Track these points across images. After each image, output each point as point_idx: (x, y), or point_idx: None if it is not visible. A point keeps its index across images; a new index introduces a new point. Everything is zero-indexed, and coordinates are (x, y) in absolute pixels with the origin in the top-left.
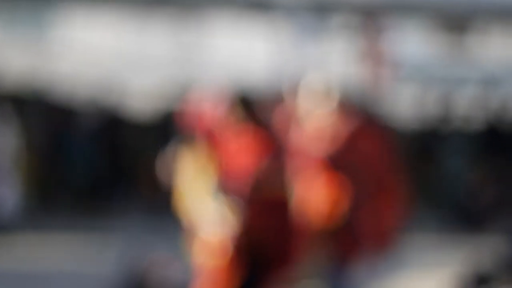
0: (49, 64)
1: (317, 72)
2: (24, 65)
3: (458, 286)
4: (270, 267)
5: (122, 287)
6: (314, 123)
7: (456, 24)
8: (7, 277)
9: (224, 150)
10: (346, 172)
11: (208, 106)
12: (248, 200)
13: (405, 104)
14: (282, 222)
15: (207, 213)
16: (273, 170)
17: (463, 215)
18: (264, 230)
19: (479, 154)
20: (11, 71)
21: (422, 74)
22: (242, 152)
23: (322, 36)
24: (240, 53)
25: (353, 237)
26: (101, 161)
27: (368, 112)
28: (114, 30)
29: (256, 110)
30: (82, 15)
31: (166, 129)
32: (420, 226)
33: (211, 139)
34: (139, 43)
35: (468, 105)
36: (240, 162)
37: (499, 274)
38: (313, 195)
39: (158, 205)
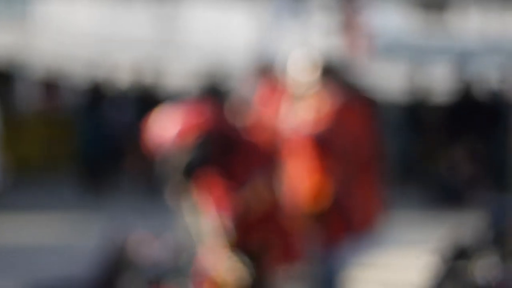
0: (31, 40)
1: (300, 46)
2: (7, 42)
3: (438, 260)
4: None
5: (103, 263)
6: (301, 98)
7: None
8: None
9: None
10: (334, 152)
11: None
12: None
13: (384, 77)
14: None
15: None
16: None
17: (442, 191)
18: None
19: (451, 129)
20: None
21: (398, 47)
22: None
23: (301, 13)
24: (219, 29)
25: (342, 218)
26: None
27: (353, 85)
28: (93, 9)
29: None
30: None
31: (147, 103)
32: (400, 203)
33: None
34: (118, 21)
35: (443, 78)
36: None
37: (478, 249)
38: (300, 177)
39: (146, 182)
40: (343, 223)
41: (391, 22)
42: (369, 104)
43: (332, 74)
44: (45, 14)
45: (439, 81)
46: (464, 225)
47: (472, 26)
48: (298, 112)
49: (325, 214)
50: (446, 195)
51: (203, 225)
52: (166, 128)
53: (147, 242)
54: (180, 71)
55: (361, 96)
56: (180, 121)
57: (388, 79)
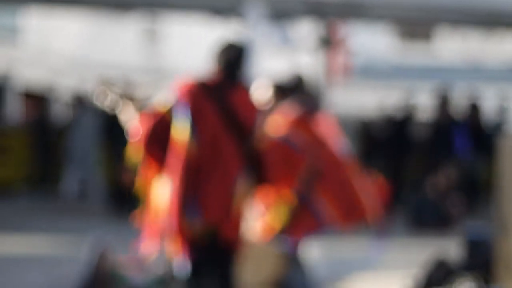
0: (19, 59)
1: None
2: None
3: (421, 285)
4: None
5: (86, 276)
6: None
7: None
8: None
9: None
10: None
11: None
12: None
13: (365, 96)
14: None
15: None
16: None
17: (426, 215)
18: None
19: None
20: None
21: (379, 66)
22: None
23: (285, 34)
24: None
25: (309, 217)
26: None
27: (310, 102)
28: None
29: None
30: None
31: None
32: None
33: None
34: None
35: (425, 97)
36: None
37: (460, 273)
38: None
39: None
40: (310, 222)
41: (373, 42)
42: (326, 119)
43: (286, 92)
44: (34, 31)
45: (421, 100)
46: (447, 250)
47: (453, 48)
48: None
49: (293, 210)
50: (430, 219)
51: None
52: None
53: (126, 254)
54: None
55: (316, 111)
56: None
57: (369, 98)
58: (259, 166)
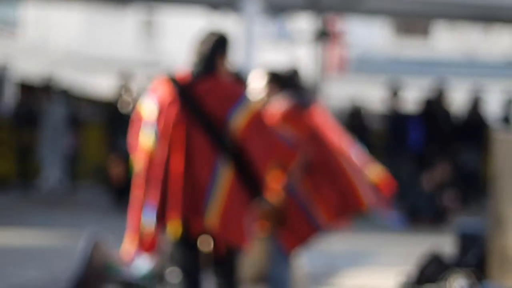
0: (19, 51)
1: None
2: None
3: (415, 281)
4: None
5: (78, 269)
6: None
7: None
8: None
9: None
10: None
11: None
12: None
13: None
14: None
15: None
16: None
17: (422, 211)
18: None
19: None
20: None
21: (376, 59)
22: None
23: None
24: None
25: (303, 217)
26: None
27: (303, 93)
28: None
29: None
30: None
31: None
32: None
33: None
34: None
35: (422, 91)
36: None
37: (454, 270)
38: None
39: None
40: (304, 229)
41: (369, 35)
42: (319, 110)
43: (280, 82)
44: (34, 23)
45: (418, 93)
46: (441, 245)
47: (450, 42)
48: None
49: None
50: (425, 214)
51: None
52: None
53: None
54: None
55: (309, 103)
56: None
57: (367, 91)
58: (241, 159)
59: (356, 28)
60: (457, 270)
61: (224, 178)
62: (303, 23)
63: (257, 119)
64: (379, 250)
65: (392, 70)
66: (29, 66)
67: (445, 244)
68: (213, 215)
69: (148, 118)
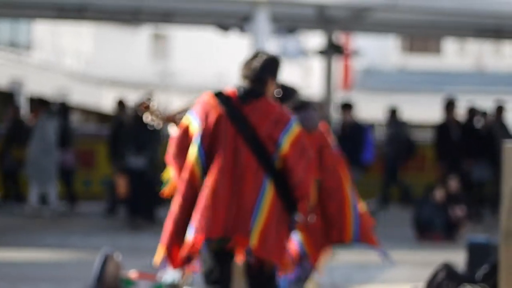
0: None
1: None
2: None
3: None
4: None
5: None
6: None
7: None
8: None
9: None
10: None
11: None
12: None
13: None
14: None
15: None
16: None
17: (434, 226)
18: None
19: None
20: None
21: (381, 71)
22: None
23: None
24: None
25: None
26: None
27: (306, 104)
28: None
29: None
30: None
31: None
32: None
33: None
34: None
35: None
36: None
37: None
38: None
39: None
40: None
41: (379, 50)
42: (323, 132)
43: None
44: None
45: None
46: (453, 260)
47: (458, 55)
48: None
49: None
50: (436, 228)
51: None
52: None
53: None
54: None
55: (314, 126)
56: None
57: (372, 104)
58: (281, 178)
59: (365, 42)
60: (468, 284)
61: (267, 198)
62: (315, 39)
63: (299, 141)
64: (386, 263)
65: (401, 83)
66: (40, 85)
67: (456, 258)
68: (255, 234)
69: (194, 134)
